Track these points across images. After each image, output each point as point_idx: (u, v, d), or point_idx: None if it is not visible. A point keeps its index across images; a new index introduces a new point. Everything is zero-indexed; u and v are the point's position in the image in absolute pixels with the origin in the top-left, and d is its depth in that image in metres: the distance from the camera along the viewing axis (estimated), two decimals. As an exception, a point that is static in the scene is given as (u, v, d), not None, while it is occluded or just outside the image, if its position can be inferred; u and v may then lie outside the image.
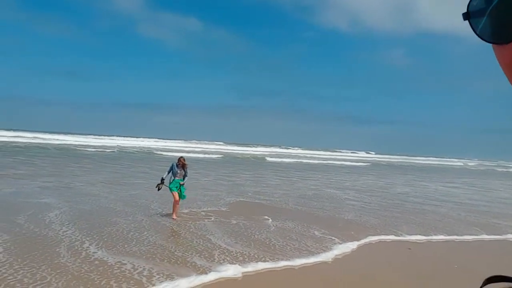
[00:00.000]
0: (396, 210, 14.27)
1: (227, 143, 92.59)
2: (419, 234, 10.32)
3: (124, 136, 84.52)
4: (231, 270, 6.46)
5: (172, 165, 10.59)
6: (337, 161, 54.44)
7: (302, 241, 8.89)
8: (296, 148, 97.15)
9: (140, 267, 6.49)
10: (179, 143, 73.47)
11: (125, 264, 6.62)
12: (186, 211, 11.37)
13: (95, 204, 11.60)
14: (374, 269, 7.47)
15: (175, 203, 10.40)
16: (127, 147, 52.39)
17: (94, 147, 46.21)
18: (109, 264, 6.59)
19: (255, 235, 9.15)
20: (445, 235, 10.49)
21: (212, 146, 71.59)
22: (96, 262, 6.64)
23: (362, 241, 9.22)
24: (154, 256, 7.17)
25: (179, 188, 10.47)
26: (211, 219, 10.68)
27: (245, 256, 7.45)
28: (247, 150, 66.14)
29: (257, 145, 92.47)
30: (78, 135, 72.16)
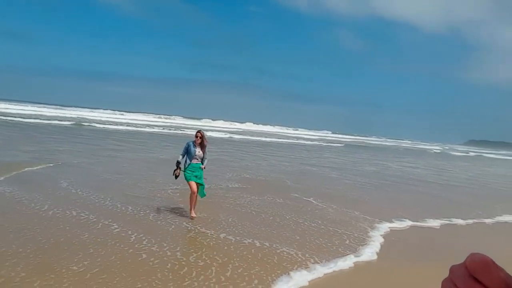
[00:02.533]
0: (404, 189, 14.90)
1: (171, 115, 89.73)
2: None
3: (61, 106, 78.54)
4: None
5: (188, 144, 8.29)
6: (292, 139, 55.30)
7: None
8: (248, 123, 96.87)
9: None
10: (119, 114, 69.40)
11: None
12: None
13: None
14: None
15: (193, 195, 8.11)
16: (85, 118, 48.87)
17: (48, 117, 39.48)
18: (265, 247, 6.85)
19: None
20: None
21: (159, 119, 69.26)
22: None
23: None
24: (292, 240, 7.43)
25: (198, 177, 8.19)
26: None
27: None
28: (194, 125, 64.70)
29: (203, 118, 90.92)
30: (17, 103, 65.21)
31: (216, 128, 59.54)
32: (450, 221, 10.22)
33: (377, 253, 7.04)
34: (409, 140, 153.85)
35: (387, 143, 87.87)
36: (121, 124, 42.94)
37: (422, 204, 12.59)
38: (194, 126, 56.58)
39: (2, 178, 9.98)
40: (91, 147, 19.32)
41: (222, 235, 7.27)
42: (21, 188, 9.19)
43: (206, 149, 8.35)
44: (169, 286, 4.97)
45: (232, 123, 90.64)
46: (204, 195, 8.53)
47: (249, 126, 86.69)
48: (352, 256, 6.68)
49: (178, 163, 8.27)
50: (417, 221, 9.72)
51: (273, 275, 5.62)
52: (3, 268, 5.01)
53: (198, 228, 7.66)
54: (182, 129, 45.24)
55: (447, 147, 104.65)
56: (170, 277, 5.26)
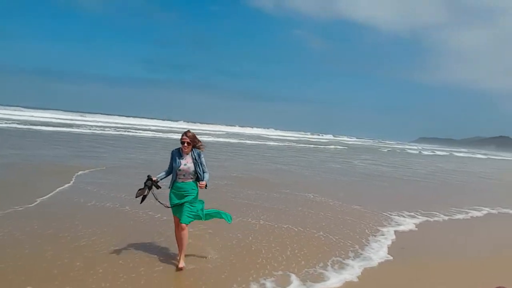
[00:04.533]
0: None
1: (129, 116, 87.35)
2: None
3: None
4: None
5: (172, 154, 5.58)
6: (256, 139, 55.34)
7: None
8: (203, 123, 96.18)
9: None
10: (72, 115, 66.41)
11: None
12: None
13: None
14: None
15: (179, 234, 5.50)
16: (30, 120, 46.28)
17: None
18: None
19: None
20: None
21: (115, 120, 67.13)
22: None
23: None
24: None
25: (191, 204, 5.50)
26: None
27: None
28: (155, 126, 63.30)
29: (164, 119, 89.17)
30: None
31: (179, 129, 58.56)
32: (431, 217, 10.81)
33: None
34: (369, 138, 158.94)
35: (349, 141, 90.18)
36: (82, 126, 41.18)
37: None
38: (157, 127, 55.44)
39: None
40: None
41: None
42: None
43: (203, 158, 5.55)
44: None
45: (193, 123, 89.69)
46: (207, 217, 5.92)
47: (214, 127, 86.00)
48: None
49: (149, 178, 5.49)
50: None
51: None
52: None
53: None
54: (138, 131, 44.04)
55: (402, 146, 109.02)
56: None
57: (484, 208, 12.21)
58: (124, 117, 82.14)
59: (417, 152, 67.58)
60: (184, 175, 5.44)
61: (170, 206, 5.49)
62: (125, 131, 39.16)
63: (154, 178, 5.46)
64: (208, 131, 61.00)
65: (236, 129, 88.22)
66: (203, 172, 5.50)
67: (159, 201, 5.49)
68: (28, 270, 4.95)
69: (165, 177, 5.60)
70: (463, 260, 7.03)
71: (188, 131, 5.52)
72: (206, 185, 5.45)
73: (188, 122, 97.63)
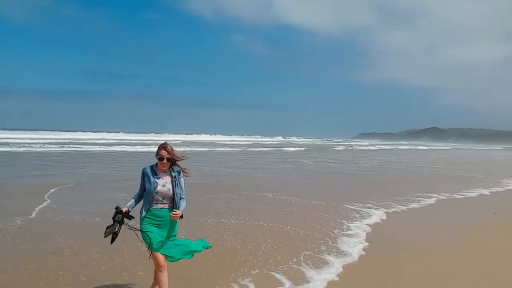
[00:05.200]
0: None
1: (68, 131, 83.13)
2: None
3: None
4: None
5: (144, 174, 4.38)
6: (204, 146, 54.80)
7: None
8: (149, 133, 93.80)
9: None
10: (11, 134, 62.51)
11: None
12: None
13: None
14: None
15: (159, 274, 4.26)
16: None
17: None
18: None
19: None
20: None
21: (56, 136, 63.68)
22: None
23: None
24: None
25: (168, 237, 4.35)
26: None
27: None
28: (95, 139, 60.76)
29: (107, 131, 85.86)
30: None
31: (124, 140, 56.73)
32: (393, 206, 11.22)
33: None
34: (316, 137, 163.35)
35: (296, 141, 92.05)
36: (19, 144, 38.56)
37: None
38: (96, 142, 53.21)
39: None
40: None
41: None
42: None
43: (182, 178, 4.42)
44: None
45: (135, 134, 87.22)
46: (189, 256, 4.49)
47: (160, 137, 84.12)
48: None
49: (117, 210, 4.22)
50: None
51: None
52: None
53: None
54: (82, 146, 42.17)
55: (348, 142, 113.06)
56: None
57: (432, 195, 12.76)
58: (65, 132, 78.05)
59: (367, 148, 69.78)
60: (162, 199, 4.25)
61: (138, 229, 4.24)
62: (69, 147, 37.24)
63: (124, 209, 4.21)
64: (154, 141, 59.62)
65: (182, 137, 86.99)
66: (180, 198, 4.31)
67: (141, 232, 4.23)
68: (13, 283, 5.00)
69: (135, 205, 4.39)
70: (432, 249, 7.06)
71: (166, 143, 4.38)
72: (181, 216, 4.24)
73: (129, 132, 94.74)
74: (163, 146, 4.34)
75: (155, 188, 4.23)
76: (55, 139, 54.97)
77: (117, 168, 18.44)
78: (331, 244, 7.09)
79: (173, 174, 4.37)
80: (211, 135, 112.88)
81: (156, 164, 4.35)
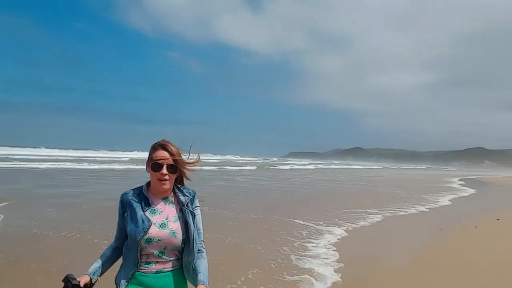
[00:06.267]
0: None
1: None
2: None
3: None
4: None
5: (124, 203, 2.28)
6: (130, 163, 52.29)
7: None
8: (77, 150, 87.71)
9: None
10: None
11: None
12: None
13: None
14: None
15: None
16: None
17: None
18: None
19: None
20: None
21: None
22: None
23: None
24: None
25: None
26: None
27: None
28: (19, 155, 55.40)
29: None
30: None
31: (49, 156, 52.36)
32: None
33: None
34: (252, 156, 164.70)
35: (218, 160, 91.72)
36: None
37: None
38: (19, 157, 48.58)
39: None
40: None
41: None
42: None
43: (199, 209, 2.40)
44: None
45: (61, 150, 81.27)
46: None
47: (86, 153, 79.07)
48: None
49: (68, 283, 2.08)
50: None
51: None
52: None
53: None
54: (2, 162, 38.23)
55: (281, 161, 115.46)
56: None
57: (378, 212, 13.10)
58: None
59: (305, 167, 70.51)
60: (160, 253, 2.26)
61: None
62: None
63: (82, 281, 2.16)
64: (78, 157, 55.88)
65: (113, 154, 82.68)
66: (198, 251, 2.31)
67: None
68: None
69: (106, 270, 2.37)
70: (399, 268, 6.96)
71: (166, 140, 2.35)
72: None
73: (53, 148, 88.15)
74: (162, 144, 2.30)
75: (147, 232, 2.18)
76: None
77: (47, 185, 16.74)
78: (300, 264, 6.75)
79: (182, 199, 2.33)
80: (144, 152, 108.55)
81: (148, 183, 2.35)
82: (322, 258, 7.31)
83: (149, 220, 2.22)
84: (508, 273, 6.78)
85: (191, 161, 2.43)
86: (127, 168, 36.00)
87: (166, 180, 2.26)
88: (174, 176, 2.32)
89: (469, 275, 6.62)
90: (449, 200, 18.67)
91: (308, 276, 6.16)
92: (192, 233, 2.28)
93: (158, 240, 2.22)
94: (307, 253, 7.59)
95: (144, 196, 2.30)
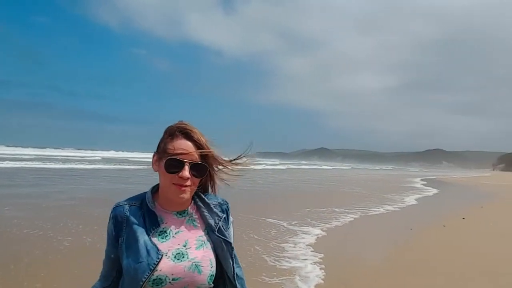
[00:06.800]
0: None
1: None
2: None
3: None
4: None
5: (117, 221, 1.48)
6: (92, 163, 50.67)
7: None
8: (35, 148, 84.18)
9: None
10: None
11: None
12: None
13: None
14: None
15: None
16: None
17: None
18: None
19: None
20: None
21: None
22: None
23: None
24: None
25: None
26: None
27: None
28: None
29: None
30: None
31: (10, 155, 49.71)
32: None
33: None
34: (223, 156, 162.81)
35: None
36: None
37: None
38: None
39: None
40: None
41: None
42: None
43: (232, 226, 1.67)
44: None
45: (15, 148, 77.63)
46: None
47: (44, 151, 75.91)
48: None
49: None
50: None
51: None
52: None
53: None
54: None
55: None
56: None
57: (347, 211, 13.26)
58: None
59: (277, 167, 70.82)
60: None
61: None
62: None
63: None
64: (44, 156, 53.56)
65: (72, 152, 79.88)
66: (234, 267, 1.57)
67: None
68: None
69: None
70: (381, 268, 7.02)
71: (186, 125, 1.53)
72: None
73: (9, 146, 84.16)
74: (185, 130, 1.52)
75: (155, 269, 1.40)
76: None
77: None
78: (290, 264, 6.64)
79: (207, 221, 1.59)
80: (107, 151, 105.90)
81: (154, 189, 1.60)
82: (301, 259, 7.25)
83: (158, 249, 1.43)
84: (480, 271, 6.98)
85: (238, 161, 1.67)
86: (92, 167, 34.83)
87: (187, 186, 1.47)
88: (198, 181, 1.53)
89: (444, 274, 6.76)
90: (415, 200, 19.20)
91: (290, 277, 6.08)
92: (231, 269, 1.55)
93: (174, 279, 1.42)
94: (284, 254, 7.51)
95: (149, 209, 1.51)
